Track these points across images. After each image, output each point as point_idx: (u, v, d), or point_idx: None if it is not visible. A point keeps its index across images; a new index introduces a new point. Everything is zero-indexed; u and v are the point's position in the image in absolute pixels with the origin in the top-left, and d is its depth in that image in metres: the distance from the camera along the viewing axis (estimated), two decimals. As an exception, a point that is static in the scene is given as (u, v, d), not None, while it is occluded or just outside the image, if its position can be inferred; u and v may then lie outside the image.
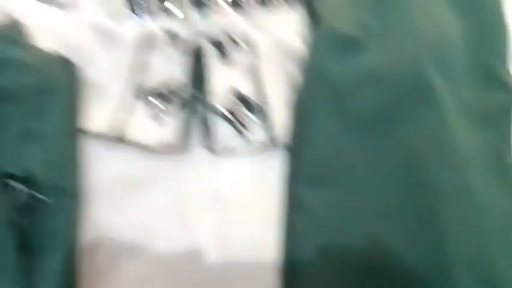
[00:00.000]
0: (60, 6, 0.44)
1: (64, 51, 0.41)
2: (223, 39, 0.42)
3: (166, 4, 0.44)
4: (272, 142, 0.39)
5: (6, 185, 0.34)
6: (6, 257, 0.33)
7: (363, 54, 0.39)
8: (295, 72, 0.41)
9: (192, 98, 0.40)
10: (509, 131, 0.39)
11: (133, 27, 0.42)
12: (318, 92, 0.38)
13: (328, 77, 0.38)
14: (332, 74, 0.38)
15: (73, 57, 0.41)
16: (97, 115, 0.39)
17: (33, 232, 0.34)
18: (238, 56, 0.42)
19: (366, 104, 0.37)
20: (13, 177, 0.35)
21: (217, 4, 0.45)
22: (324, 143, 0.37)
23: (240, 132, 0.39)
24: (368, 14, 0.41)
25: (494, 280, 0.33)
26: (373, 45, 0.39)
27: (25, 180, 0.35)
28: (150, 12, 0.45)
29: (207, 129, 0.40)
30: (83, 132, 0.38)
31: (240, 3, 0.45)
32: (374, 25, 0.40)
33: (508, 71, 0.40)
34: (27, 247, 0.34)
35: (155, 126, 0.39)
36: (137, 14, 0.44)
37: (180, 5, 0.45)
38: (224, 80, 0.41)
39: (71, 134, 0.38)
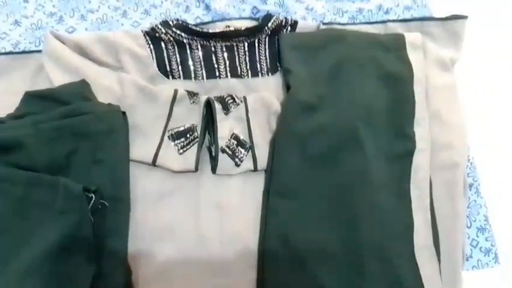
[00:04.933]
0: (112, 68, 0.63)
1: (117, 103, 0.59)
2: (225, 96, 0.60)
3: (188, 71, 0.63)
4: (256, 169, 0.58)
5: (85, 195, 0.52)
6: (86, 241, 0.50)
7: (317, 114, 0.58)
8: (273, 121, 0.60)
9: (203, 138, 0.59)
10: (410, 168, 0.58)
11: (164, 87, 0.60)
12: (286, 138, 0.58)
13: (293, 129, 0.58)
14: (295, 127, 0.58)
15: (123, 108, 0.59)
16: (140, 149, 0.57)
17: (101, 225, 0.52)
18: (235, 109, 0.60)
19: (316, 147, 0.57)
20: (88, 190, 0.52)
21: (223, 72, 0.64)
22: (289, 172, 0.57)
23: (235, 162, 0.58)
24: (322, 88, 0.60)
25: (387, 255, 0.52)
26: (324, 109, 0.59)
27: (95, 192, 0.53)
28: (175, 76, 0.64)
29: (213, 159, 0.58)
30: (131, 160, 0.57)
31: (238, 73, 0.64)
32: (325, 95, 0.60)
33: (412, 130, 0.59)
34: (96, 235, 0.52)
35: (179, 157, 0.57)
36: (167, 78, 0.63)
37: (197, 72, 0.64)
38: (225, 125, 0.59)
39: (125, 161, 0.56)
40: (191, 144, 0.58)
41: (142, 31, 0.65)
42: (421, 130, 0.60)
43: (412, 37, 0.66)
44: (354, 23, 0.71)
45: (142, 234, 0.55)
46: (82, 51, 0.63)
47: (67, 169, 0.55)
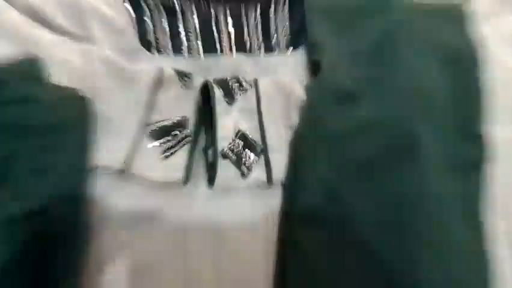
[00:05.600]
0: (76, 39, 0.47)
1: (78, 86, 0.44)
2: (229, 79, 0.46)
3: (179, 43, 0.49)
4: (270, 181, 0.43)
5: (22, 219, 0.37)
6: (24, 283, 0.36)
7: (357, 107, 0.43)
8: (294, 114, 0.45)
9: (197, 136, 0.44)
10: (481, 181, 0.43)
11: (145, 66, 0.46)
12: (314, 139, 0.42)
13: (324, 126, 0.42)
14: (328, 123, 0.42)
15: (86, 92, 0.43)
16: (108, 151, 0.42)
17: (47, 263, 0.37)
18: (243, 97, 0.45)
19: (357, 153, 0.41)
20: (28, 211, 0.37)
21: (226, 46, 0.50)
22: (317, 187, 0.41)
23: (241, 171, 0.43)
24: (363, 70, 0.45)
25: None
26: (366, 99, 0.43)
27: (38, 214, 0.37)
28: (163, 51, 0.49)
29: (210, 167, 0.43)
30: (94, 167, 0.41)
31: (247, 48, 0.50)
32: (368, 80, 0.44)
33: (486, 129, 0.44)
34: (41, 279, 0.37)
35: (162, 162, 0.42)
36: (151, 53, 0.48)
37: (191, 46, 0.49)
38: (228, 120, 0.44)
39: (83, 169, 0.40)
40: (179, 145, 0.43)
41: (119, -8, 0.50)
42: (500, 129, 0.45)
43: (481, 5, 0.51)
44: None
45: (109, 273, 0.40)
46: (35, 15, 0.47)
47: (0, 179, 0.39)
